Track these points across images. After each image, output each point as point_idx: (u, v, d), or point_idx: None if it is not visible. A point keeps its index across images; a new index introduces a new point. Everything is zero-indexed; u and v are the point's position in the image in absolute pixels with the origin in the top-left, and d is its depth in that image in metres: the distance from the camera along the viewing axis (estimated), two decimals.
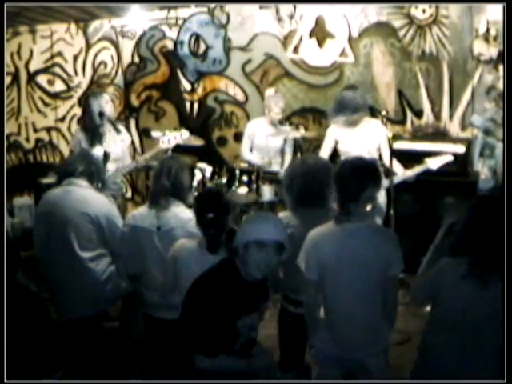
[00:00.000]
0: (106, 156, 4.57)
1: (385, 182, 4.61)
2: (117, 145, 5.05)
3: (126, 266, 3.66)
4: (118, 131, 5.12)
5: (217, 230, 3.01)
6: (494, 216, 2.52)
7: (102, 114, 4.90)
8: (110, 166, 4.72)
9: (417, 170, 4.75)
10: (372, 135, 4.92)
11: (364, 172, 2.83)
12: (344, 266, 2.75)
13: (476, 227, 2.54)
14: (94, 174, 3.77)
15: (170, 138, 4.92)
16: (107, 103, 5.03)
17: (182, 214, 3.42)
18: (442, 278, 2.60)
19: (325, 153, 5.07)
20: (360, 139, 4.90)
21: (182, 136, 5.00)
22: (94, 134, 4.91)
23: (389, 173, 4.53)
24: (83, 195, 3.69)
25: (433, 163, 4.72)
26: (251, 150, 5.72)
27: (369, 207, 2.89)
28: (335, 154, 5.08)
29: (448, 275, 2.57)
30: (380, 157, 4.92)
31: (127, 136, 5.35)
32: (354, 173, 2.80)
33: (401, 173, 4.76)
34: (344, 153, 4.93)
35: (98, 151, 4.67)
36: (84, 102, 5.21)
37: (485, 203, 2.63)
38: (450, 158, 4.78)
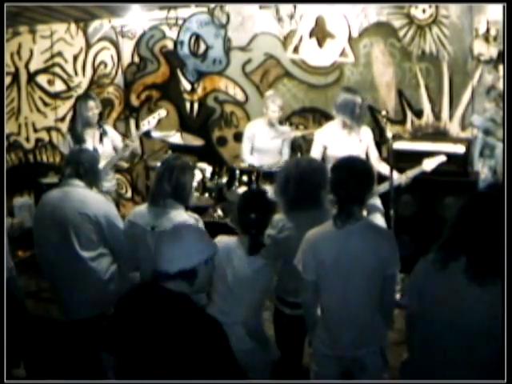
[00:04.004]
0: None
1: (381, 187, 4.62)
2: (105, 144, 5.34)
3: (127, 263, 3.67)
4: (104, 133, 5.41)
5: (258, 230, 3.00)
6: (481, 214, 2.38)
7: (88, 119, 5.29)
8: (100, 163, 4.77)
9: (411, 173, 4.69)
10: (362, 139, 4.89)
11: (366, 173, 2.83)
12: (342, 266, 2.74)
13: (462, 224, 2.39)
14: (83, 174, 3.75)
15: (150, 119, 5.15)
16: (91, 109, 5.32)
17: (177, 217, 3.36)
18: (420, 275, 2.51)
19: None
20: (350, 144, 4.82)
21: (160, 115, 5.17)
22: (77, 136, 5.29)
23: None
24: (81, 195, 3.68)
25: (427, 165, 4.70)
26: (251, 152, 5.71)
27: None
28: (322, 159, 4.90)
29: (424, 271, 2.48)
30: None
31: (116, 135, 5.59)
32: (357, 174, 2.77)
33: (396, 177, 4.65)
34: (332, 158, 4.70)
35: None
36: (74, 104, 5.54)
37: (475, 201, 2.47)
38: (443, 159, 4.74)
